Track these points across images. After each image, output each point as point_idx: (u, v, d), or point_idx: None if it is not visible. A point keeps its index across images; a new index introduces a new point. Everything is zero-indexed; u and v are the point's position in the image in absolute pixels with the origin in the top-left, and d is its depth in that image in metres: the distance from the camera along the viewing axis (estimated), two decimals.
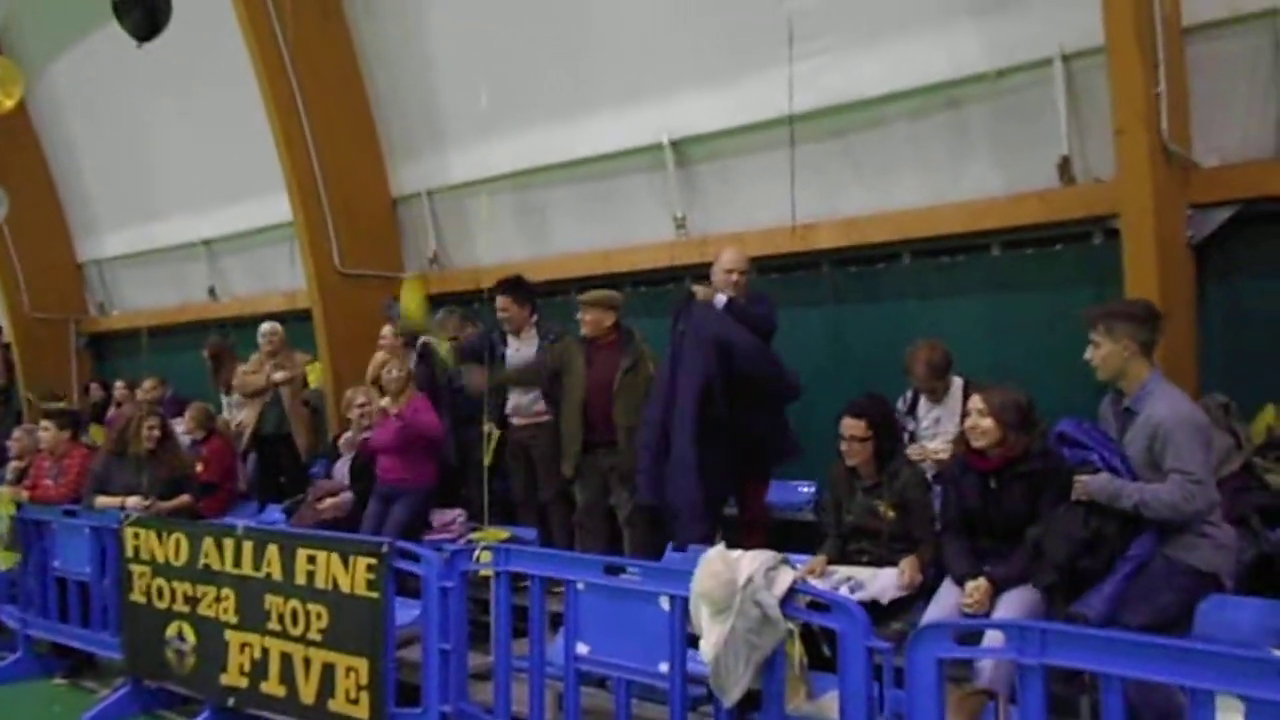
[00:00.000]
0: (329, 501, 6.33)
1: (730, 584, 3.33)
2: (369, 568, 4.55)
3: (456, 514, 6.31)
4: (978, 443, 4.00)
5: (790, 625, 3.28)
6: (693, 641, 3.72)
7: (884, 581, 4.17)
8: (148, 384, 9.18)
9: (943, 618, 3.84)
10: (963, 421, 4.14)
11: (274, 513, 7.06)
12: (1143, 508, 3.56)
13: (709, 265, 6.25)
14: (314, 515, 6.31)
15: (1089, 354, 3.69)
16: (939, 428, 5.08)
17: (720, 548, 3.51)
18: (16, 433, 7.46)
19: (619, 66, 6.63)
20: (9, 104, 7.21)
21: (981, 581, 3.88)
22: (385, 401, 6.09)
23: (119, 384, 9.80)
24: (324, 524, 6.15)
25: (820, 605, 3.36)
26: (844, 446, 4.40)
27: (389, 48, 7.81)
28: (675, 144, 6.44)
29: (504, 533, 6.04)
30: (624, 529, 5.84)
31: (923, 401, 5.15)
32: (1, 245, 10.91)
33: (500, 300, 6.15)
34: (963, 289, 5.58)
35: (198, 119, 9.43)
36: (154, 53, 9.21)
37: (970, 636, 2.92)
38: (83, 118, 10.77)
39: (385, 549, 4.53)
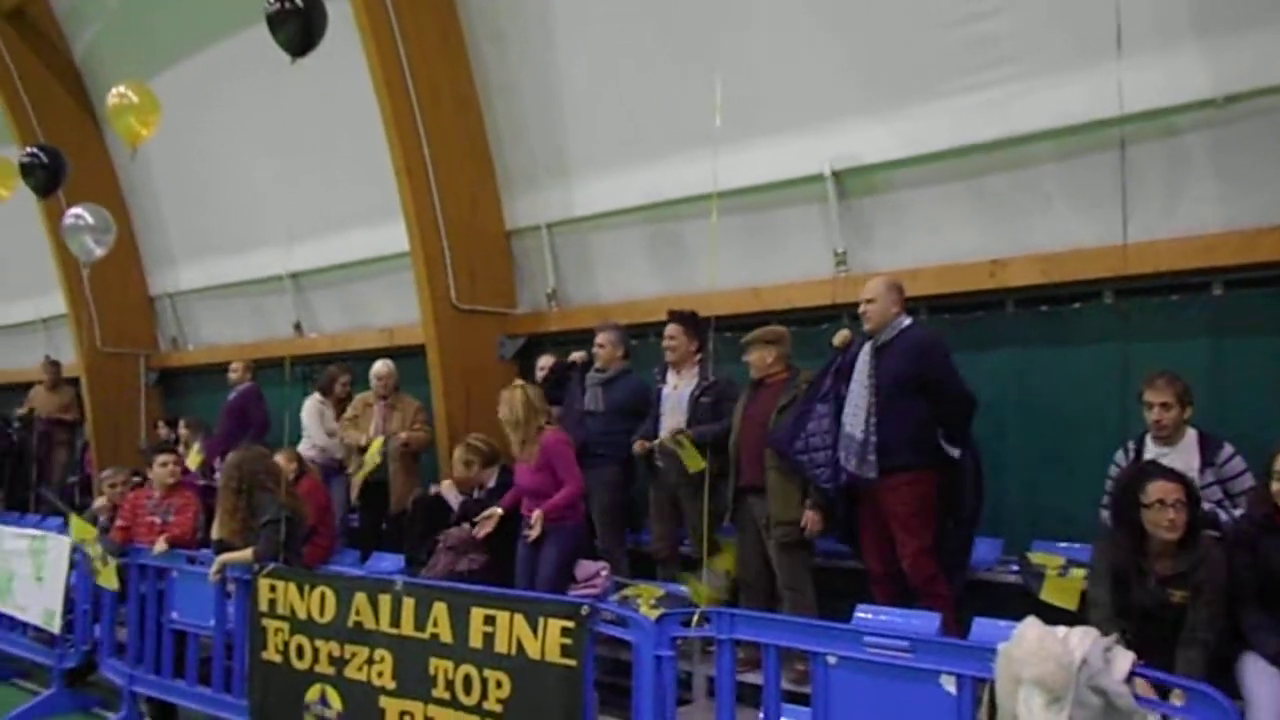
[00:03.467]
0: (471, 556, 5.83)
1: (1067, 666, 2.86)
2: (565, 631, 4.08)
3: (600, 566, 5.82)
4: None
5: (1151, 717, 2.80)
6: None
7: None
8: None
9: (1276, 703, 3.35)
10: (1268, 483, 3.69)
11: (380, 561, 6.58)
12: None
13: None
14: (447, 566, 5.83)
15: None
16: None
17: (1036, 622, 3.05)
18: (114, 474, 7.03)
19: (774, 91, 6.24)
20: (146, 134, 6.83)
21: None
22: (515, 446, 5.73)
23: (182, 422, 9.41)
24: (458, 577, 5.68)
25: (1169, 692, 2.89)
26: (1164, 519, 3.71)
27: (511, 71, 7.47)
28: (838, 174, 6.04)
29: (658, 590, 5.58)
30: (784, 593, 5.38)
31: (1151, 447, 4.69)
32: (76, 276, 10.52)
33: (670, 329, 5.87)
34: (1174, 332, 5.13)
35: (288, 148, 9.08)
36: (244, 81, 9.02)
37: None
38: (162, 146, 10.43)
39: (586, 611, 4.06)
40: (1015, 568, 5.15)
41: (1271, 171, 4.74)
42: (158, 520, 6.19)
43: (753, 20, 6.26)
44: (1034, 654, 2.90)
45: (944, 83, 5.61)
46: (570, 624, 4.06)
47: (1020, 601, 4.84)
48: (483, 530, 5.73)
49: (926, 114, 5.67)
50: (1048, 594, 4.79)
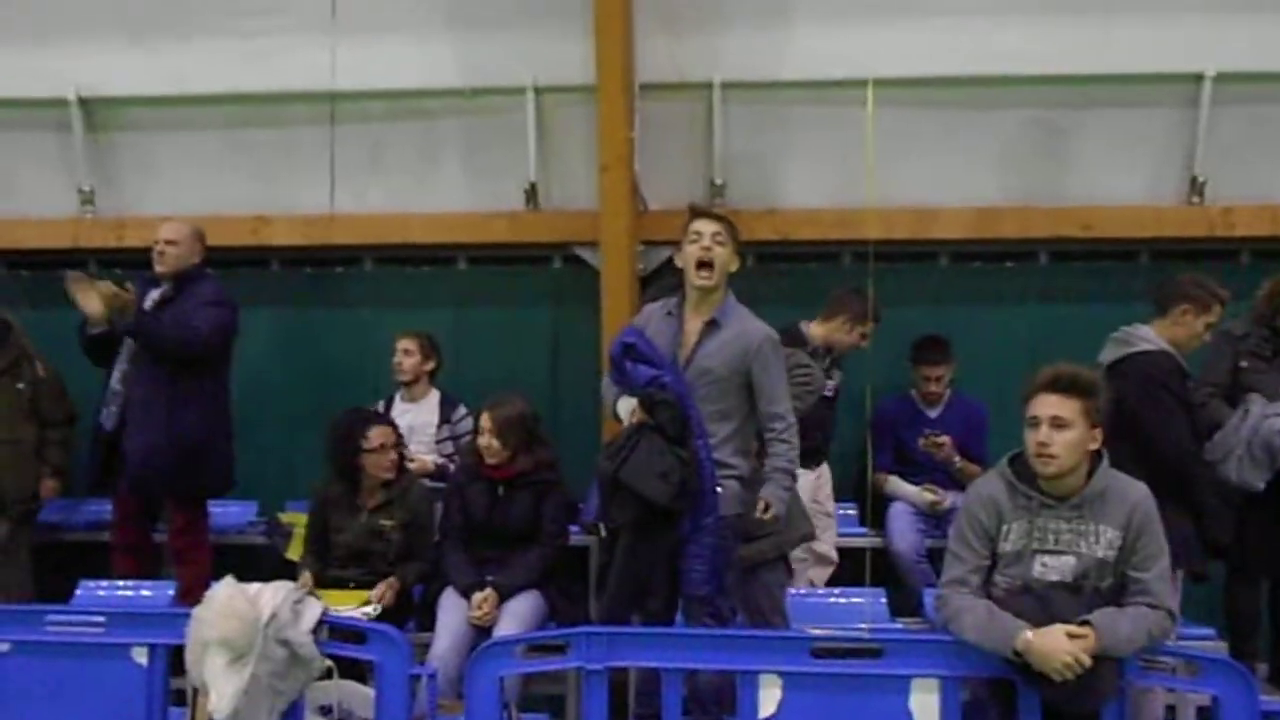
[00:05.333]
0: None
1: (253, 623, 2.81)
2: None
3: None
4: (490, 460, 4.04)
5: (328, 663, 2.87)
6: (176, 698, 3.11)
7: None
8: None
9: (456, 631, 3.76)
10: (475, 437, 4.17)
11: None
12: None
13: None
14: None
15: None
16: (413, 436, 4.92)
17: (230, 582, 2.95)
18: None
19: None
20: None
21: (489, 591, 3.89)
22: None
23: None
24: None
25: (356, 635, 3.00)
26: (383, 461, 4.22)
27: None
28: (86, 103, 5.34)
29: None
30: None
31: (398, 404, 5.03)
32: None
33: None
34: (429, 300, 5.52)
35: None
36: None
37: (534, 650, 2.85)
38: None
39: None
40: (265, 529, 5.10)
41: (508, 162, 5.29)
42: None
43: None
44: (220, 614, 2.80)
45: (213, 22, 5.27)
46: None
47: (272, 562, 4.82)
48: None
49: (190, 52, 5.29)
50: (292, 551, 4.83)
